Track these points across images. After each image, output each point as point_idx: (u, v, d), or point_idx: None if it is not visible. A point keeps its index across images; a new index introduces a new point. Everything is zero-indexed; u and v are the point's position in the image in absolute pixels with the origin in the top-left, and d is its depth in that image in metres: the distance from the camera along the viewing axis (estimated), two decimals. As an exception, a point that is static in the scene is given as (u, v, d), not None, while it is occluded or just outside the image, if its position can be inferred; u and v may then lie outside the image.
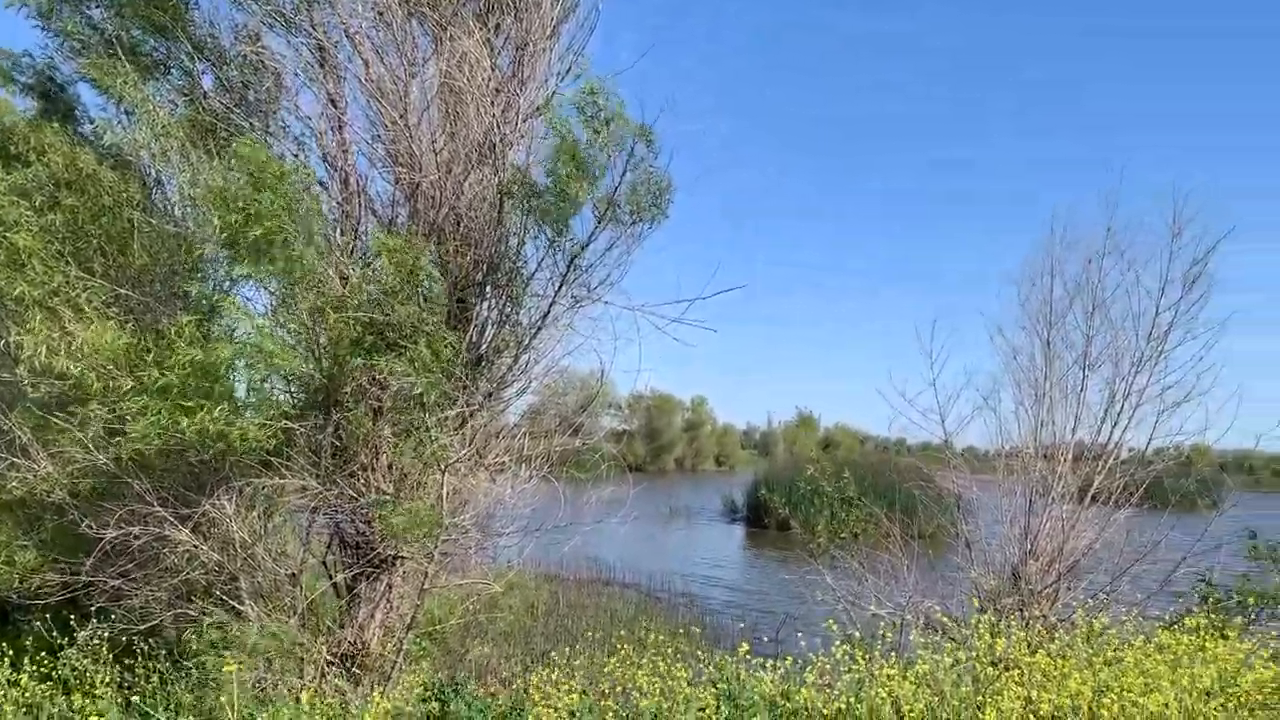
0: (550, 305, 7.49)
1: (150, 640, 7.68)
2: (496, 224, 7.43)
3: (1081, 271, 9.65)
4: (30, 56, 8.07)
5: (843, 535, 10.49)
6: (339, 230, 7.46)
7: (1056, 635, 7.37)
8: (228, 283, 7.83)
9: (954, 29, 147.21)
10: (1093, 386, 9.56)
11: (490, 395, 7.70)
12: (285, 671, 7.33)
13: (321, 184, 7.49)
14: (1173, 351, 9.23)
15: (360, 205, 7.54)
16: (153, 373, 6.39)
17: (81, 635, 7.49)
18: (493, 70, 7.50)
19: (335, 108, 7.48)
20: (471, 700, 6.33)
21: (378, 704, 6.10)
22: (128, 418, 6.38)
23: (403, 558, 7.61)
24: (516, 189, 7.27)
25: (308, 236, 6.68)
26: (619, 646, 7.65)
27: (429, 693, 6.46)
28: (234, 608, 7.28)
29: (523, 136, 7.78)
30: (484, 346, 7.66)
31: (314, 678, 7.36)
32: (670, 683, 6.50)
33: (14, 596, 7.79)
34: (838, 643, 6.47)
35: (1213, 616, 7.49)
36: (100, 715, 6.11)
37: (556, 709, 6.58)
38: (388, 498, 7.25)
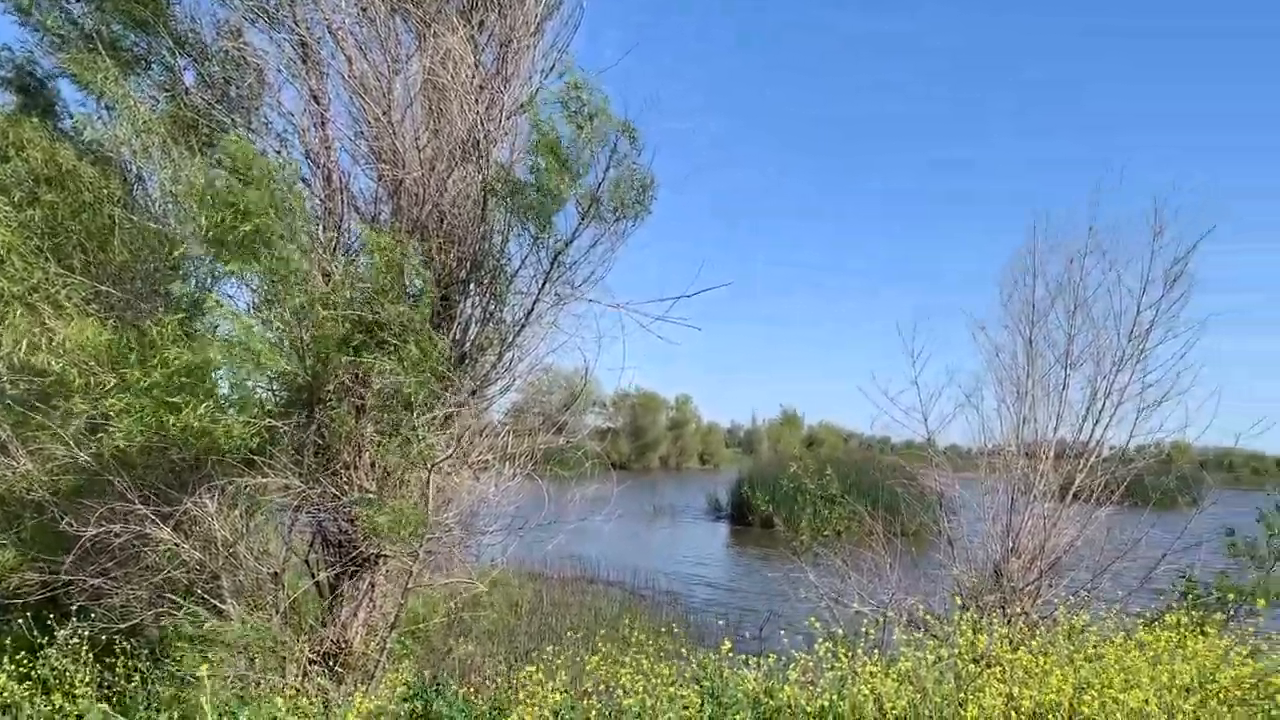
0: (534, 303, 7.48)
1: (132, 640, 7.63)
2: (480, 221, 7.41)
3: (1064, 271, 9.71)
4: (9, 51, 8.01)
5: (825, 533, 10.53)
6: (322, 227, 7.43)
7: (1038, 632, 7.42)
8: (209, 280, 7.78)
9: (954, 29, 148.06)
10: (1074, 385, 9.63)
11: (474, 393, 7.68)
12: (268, 670, 7.29)
13: (304, 181, 7.45)
14: (1153, 350, 9.32)
15: (343, 202, 7.50)
16: (136, 371, 6.34)
17: (61, 634, 7.44)
18: (476, 67, 7.47)
19: (318, 104, 7.44)
20: (452, 700, 6.31)
21: (360, 703, 6.08)
22: (111, 415, 6.34)
23: (386, 556, 7.59)
24: (500, 186, 7.25)
25: (294, 234, 6.65)
26: (600, 646, 7.65)
27: (412, 691, 6.45)
28: (215, 606, 7.24)
29: (507, 134, 7.76)
30: (467, 344, 7.64)
31: (296, 676, 7.33)
32: (654, 681, 6.50)
33: (-7, 596, 7.73)
34: (821, 640, 6.49)
35: (1193, 613, 7.54)
36: (80, 715, 6.07)
37: (540, 708, 6.57)
38: (371, 496, 7.23)
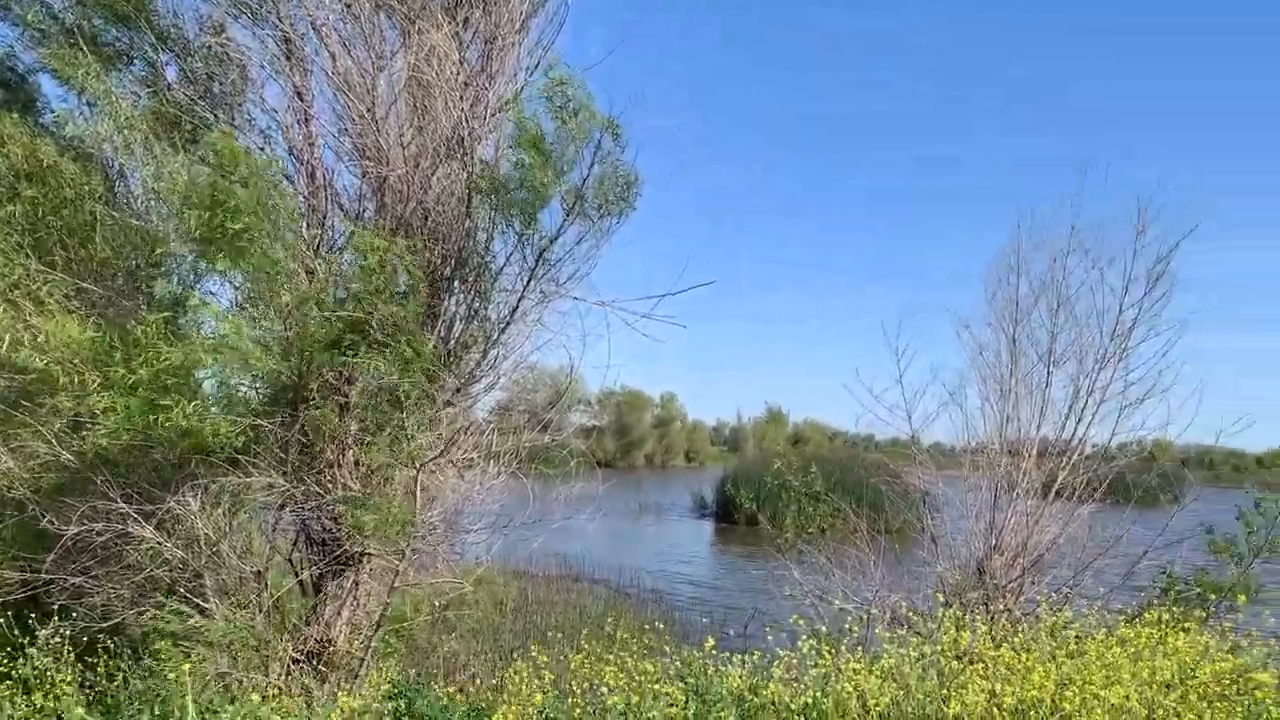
0: (519, 300, 7.47)
1: (114, 639, 7.59)
2: (464, 218, 7.39)
3: (1047, 269, 9.76)
4: (-10, 45, 7.95)
5: (810, 530, 10.55)
6: (306, 224, 7.40)
7: (1021, 629, 7.46)
8: (192, 277, 7.74)
9: (939, 26, 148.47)
10: (1057, 383, 9.68)
11: (458, 391, 7.66)
12: (251, 669, 7.27)
13: (287, 178, 7.42)
14: (1136, 348, 9.38)
15: (327, 199, 7.48)
16: (120, 369, 6.30)
17: (43, 634, 7.38)
18: (461, 64, 7.46)
19: (301, 100, 7.41)
20: (433, 702, 6.30)
21: (344, 702, 6.07)
22: (97, 413, 6.30)
23: (370, 555, 7.57)
24: (485, 183, 7.24)
25: (280, 233, 6.62)
26: (585, 644, 7.65)
27: (395, 690, 6.43)
28: (198, 605, 7.20)
29: (491, 131, 7.75)
30: (452, 342, 7.62)
31: (280, 675, 7.31)
32: (638, 678, 6.50)
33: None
34: (805, 637, 6.51)
35: (1173, 610, 7.59)
36: (60, 715, 6.03)
37: (524, 706, 6.57)
38: (357, 494, 7.21)
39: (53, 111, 7.95)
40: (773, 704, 5.94)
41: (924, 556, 9.89)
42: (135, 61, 7.38)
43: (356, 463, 7.45)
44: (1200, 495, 10.52)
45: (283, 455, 7.20)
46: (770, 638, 6.95)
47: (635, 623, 13.77)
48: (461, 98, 7.34)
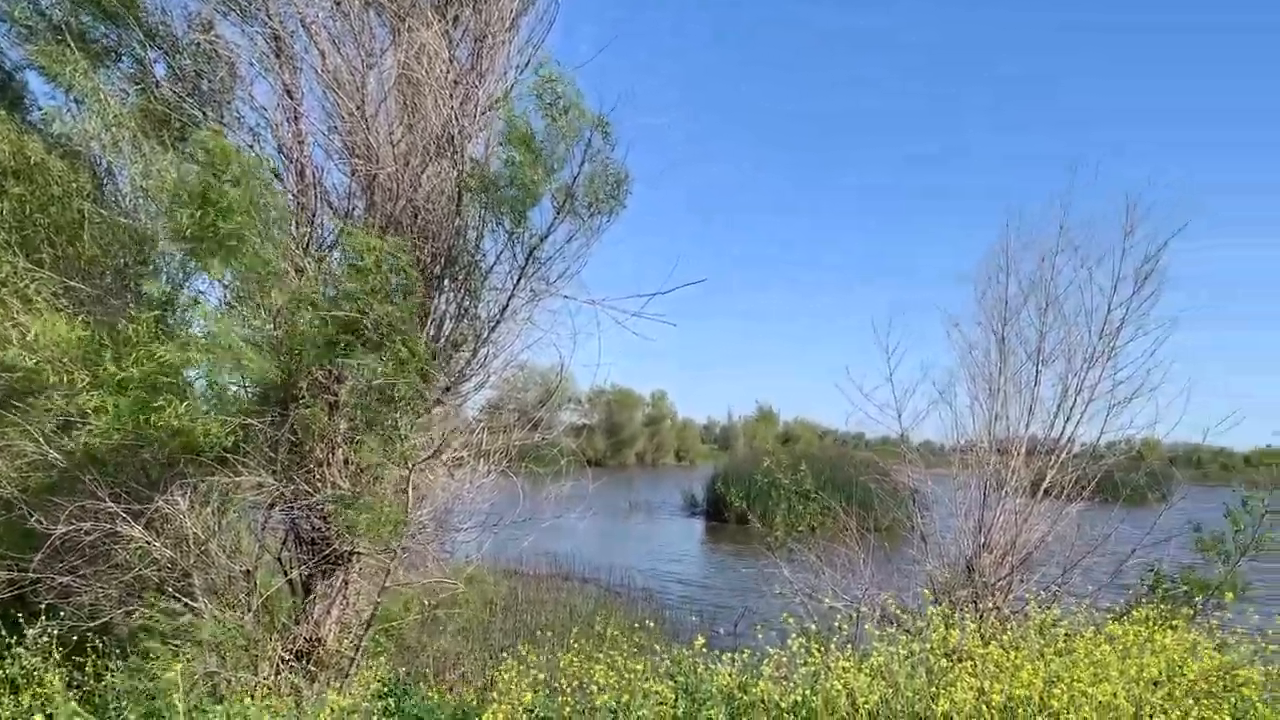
0: (509, 299, 7.47)
1: (102, 638, 7.56)
2: (454, 216, 7.38)
3: (1036, 268, 9.79)
4: (-25, 42, 7.89)
5: (800, 528, 10.57)
6: (295, 223, 7.38)
7: (1009, 627, 7.48)
8: (181, 275, 7.71)
9: (929, 24, 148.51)
10: (1046, 381, 9.71)
11: (448, 390, 7.66)
12: (240, 668, 7.24)
13: (276, 176, 7.40)
14: (1124, 347, 9.42)
15: (316, 197, 7.46)
16: (111, 367, 6.28)
17: (30, 633, 7.35)
18: (451, 62, 7.44)
19: (291, 98, 7.39)
20: (420, 701, 6.30)
21: (334, 701, 6.05)
22: (87, 412, 6.27)
23: (359, 554, 7.55)
24: (475, 181, 7.23)
25: (270, 232, 6.60)
26: (575, 643, 7.64)
27: (385, 689, 6.42)
28: (187, 604, 7.18)
29: (481, 129, 7.73)
30: (442, 340, 7.61)
31: (269, 674, 7.29)
32: (628, 677, 6.51)
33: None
34: (794, 635, 6.52)
35: (1161, 608, 7.62)
36: (50, 715, 5.99)
37: (514, 705, 6.56)
38: (346, 493, 7.19)
39: (40, 109, 7.92)
40: (762, 702, 5.95)
41: (913, 555, 9.91)
42: (123, 58, 7.34)
43: (346, 461, 7.44)
44: (1188, 494, 10.60)
45: (272, 454, 7.18)
46: (760, 636, 6.96)
47: (625, 621, 13.74)
48: (451, 96, 7.33)
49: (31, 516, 6.83)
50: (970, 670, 6.02)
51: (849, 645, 6.91)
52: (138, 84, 7.19)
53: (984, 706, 5.46)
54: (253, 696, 6.22)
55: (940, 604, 7.97)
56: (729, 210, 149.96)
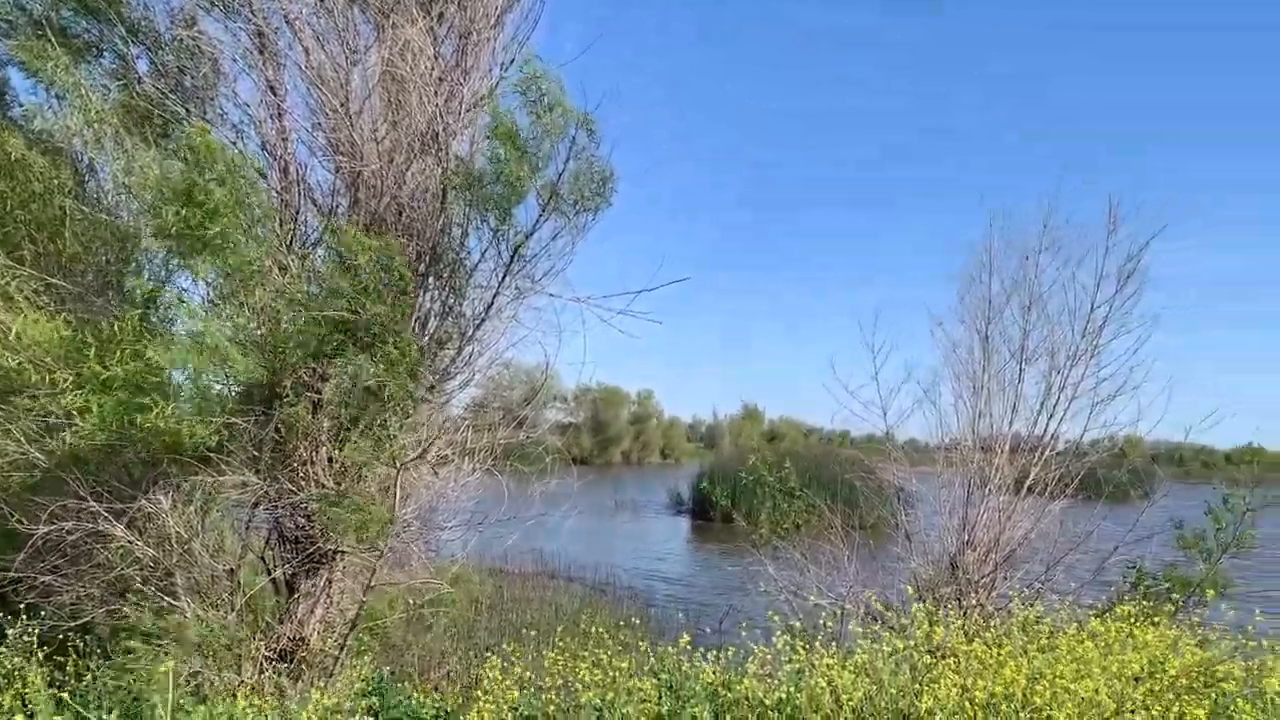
0: (494, 296, 7.46)
1: (83, 638, 7.51)
2: (439, 214, 7.36)
3: (1019, 267, 9.84)
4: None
5: (785, 526, 10.60)
6: (279, 220, 7.34)
7: (993, 624, 7.51)
8: (164, 273, 7.66)
9: (916, 24, 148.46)
10: (1029, 380, 9.77)
11: (433, 388, 7.64)
12: (224, 668, 7.21)
13: (260, 173, 7.36)
14: (1107, 346, 9.49)
15: (300, 195, 7.42)
16: (95, 367, 6.23)
17: (11, 633, 7.29)
18: (436, 59, 7.43)
19: (275, 95, 7.35)
20: (404, 702, 6.28)
21: (318, 700, 6.03)
22: (72, 412, 6.22)
23: (343, 552, 7.53)
24: (459, 178, 7.21)
25: (253, 230, 6.56)
26: (560, 641, 7.64)
27: (369, 688, 6.40)
28: (170, 603, 7.14)
29: (466, 126, 7.71)
30: (427, 338, 7.59)
31: (252, 674, 7.26)
32: (613, 674, 6.51)
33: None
34: (779, 633, 6.53)
35: (1143, 604, 7.68)
36: (32, 715, 5.95)
37: (499, 704, 6.56)
38: (330, 492, 7.16)
39: (21, 105, 7.85)
40: (746, 699, 5.96)
41: (898, 552, 9.95)
42: (105, 54, 7.28)
43: (330, 460, 7.41)
44: (1170, 491, 10.66)
45: (256, 453, 7.14)
46: (745, 633, 6.97)
47: (611, 619, 13.77)
48: (436, 93, 7.31)
49: (12, 516, 6.79)
50: (954, 667, 6.04)
51: (833, 643, 6.93)
52: (120, 80, 7.13)
53: (967, 703, 5.49)
54: (235, 696, 6.19)
55: (924, 601, 8.00)
56: (715, 209, 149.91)
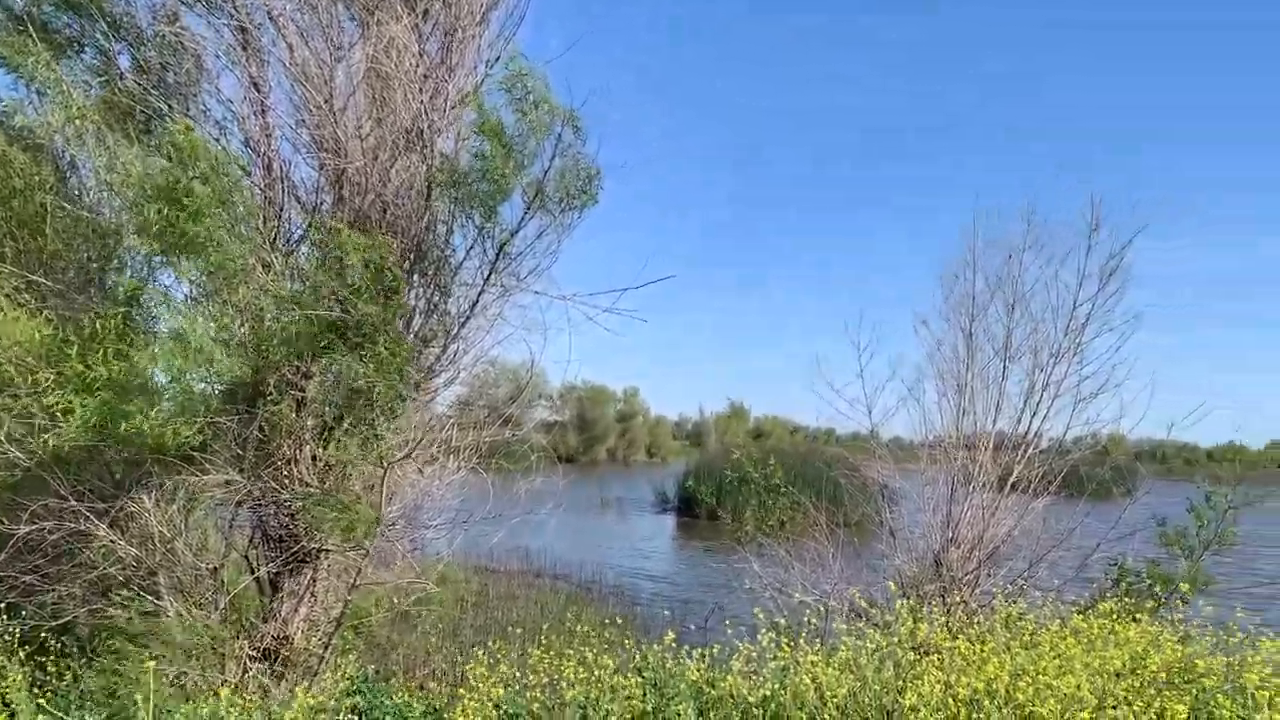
0: (479, 294, 7.44)
1: (61, 638, 7.46)
2: (424, 211, 7.35)
3: (1003, 265, 9.89)
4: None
5: (770, 523, 10.62)
6: (262, 218, 7.31)
7: (976, 620, 7.55)
8: (146, 270, 7.62)
9: (910, 23, 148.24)
10: (1013, 377, 9.82)
11: (418, 386, 7.62)
12: (207, 667, 7.18)
13: (244, 170, 7.32)
14: (1090, 344, 9.55)
15: (284, 191, 7.39)
16: (78, 366, 6.18)
17: (-7, 634, 7.24)
18: (421, 56, 7.40)
19: (258, 91, 7.31)
20: (387, 702, 6.26)
21: (301, 699, 6.01)
22: (55, 414, 6.17)
23: (328, 551, 7.51)
24: (444, 176, 7.20)
25: (240, 228, 6.53)
26: (545, 639, 7.64)
27: (354, 687, 6.38)
28: (153, 603, 7.11)
29: (451, 124, 7.69)
30: (411, 336, 7.57)
31: (236, 673, 7.23)
32: (598, 672, 6.51)
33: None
34: (764, 630, 6.54)
35: (1125, 601, 7.72)
36: (14, 714, 5.92)
37: (484, 702, 6.55)
38: (316, 490, 7.14)
39: (1, 100, 7.79)
40: (731, 697, 5.97)
41: (882, 549, 9.99)
42: (86, 49, 7.23)
43: (314, 458, 7.39)
44: (1152, 488, 10.73)
45: (239, 451, 7.11)
46: (730, 631, 6.98)
47: (596, 617, 13.77)
48: (421, 90, 7.29)
49: (-7, 516, 6.74)
50: (937, 663, 6.07)
51: (818, 640, 6.95)
52: (101, 76, 7.09)
53: (951, 700, 5.51)
54: (219, 696, 6.16)
55: (908, 598, 8.03)
56: (704, 207, 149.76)
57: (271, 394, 7.02)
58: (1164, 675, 5.92)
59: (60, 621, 7.25)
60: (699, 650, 6.59)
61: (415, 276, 7.56)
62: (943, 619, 7.36)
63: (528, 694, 6.46)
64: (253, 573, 7.75)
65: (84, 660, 7.25)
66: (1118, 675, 5.81)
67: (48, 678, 7.22)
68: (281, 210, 7.36)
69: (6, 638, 7.17)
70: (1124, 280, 9.41)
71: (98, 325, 6.31)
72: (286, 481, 7.18)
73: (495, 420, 8.34)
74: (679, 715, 5.67)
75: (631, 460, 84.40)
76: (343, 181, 7.32)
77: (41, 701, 6.08)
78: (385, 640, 11.23)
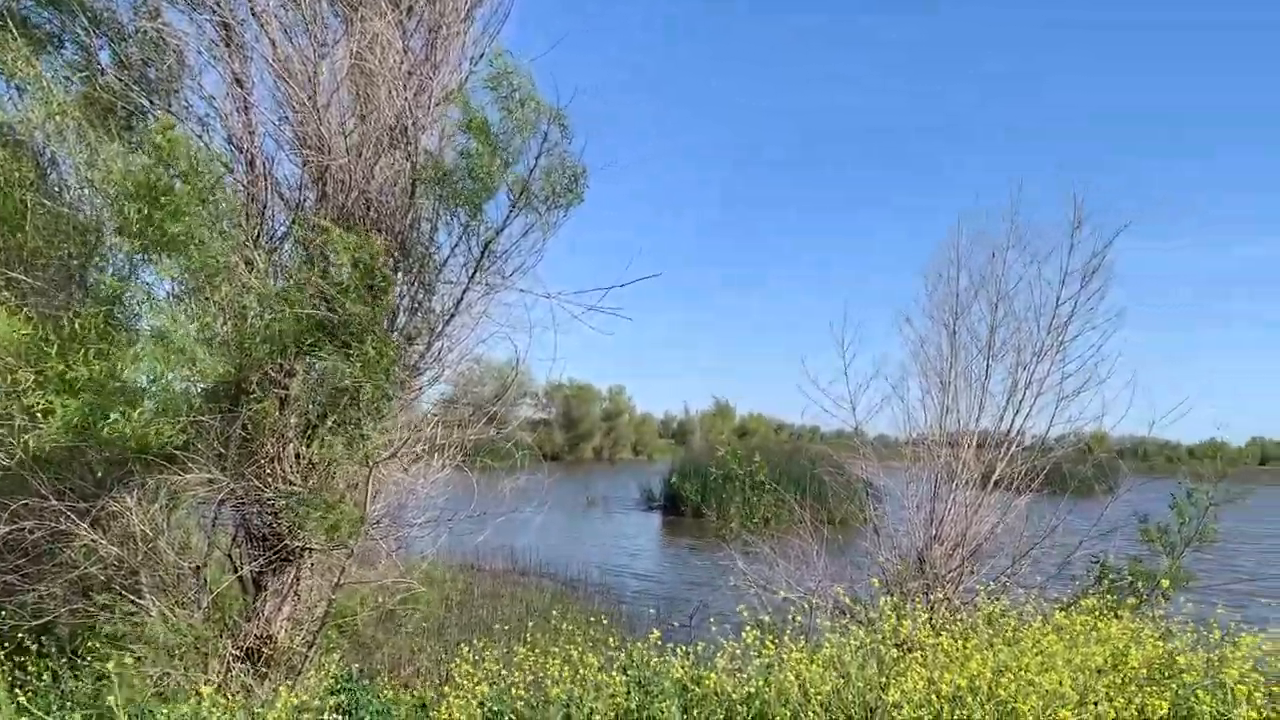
0: (464, 292, 7.42)
1: (42, 638, 7.41)
2: (408, 209, 7.32)
3: (987, 264, 9.93)
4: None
5: (754, 520, 10.64)
6: (245, 215, 7.27)
7: (959, 617, 7.58)
8: (128, 268, 7.56)
9: (911, 23, 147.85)
10: (996, 375, 9.86)
11: (402, 384, 7.59)
12: (190, 667, 7.14)
13: (227, 167, 7.28)
14: (1072, 342, 9.60)
15: (267, 189, 7.35)
16: (58, 366, 6.12)
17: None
18: (405, 53, 7.38)
19: (241, 88, 7.26)
20: (371, 700, 6.24)
21: (285, 699, 5.99)
22: (36, 414, 6.12)
23: (311, 550, 7.48)
24: (429, 173, 7.18)
25: (223, 226, 6.49)
26: (530, 638, 7.64)
27: (338, 685, 6.36)
28: (134, 602, 7.07)
29: (435, 121, 7.67)
30: (396, 334, 7.54)
31: (219, 673, 7.20)
32: (582, 671, 6.51)
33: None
34: (748, 628, 6.55)
35: (1107, 597, 7.77)
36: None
37: (469, 700, 6.54)
38: (299, 489, 7.11)
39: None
40: (715, 694, 5.98)
41: (866, 547, 10.02)
42: (67, 45, 7.18)
43: (298, 457, 7.36)
44: (1134, 486, 10.79)
45: (222, 450, 7.07)
46: (714, 628, 6.99)
47: (582, 616, 13.78)
48: (405, 87, 7.26)
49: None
50: (921, 660, 6.09)
51: (802, 637, 6.97)
52: (82, 72, 7.03)
53: (934, 696, 5.53)
54: (201, 695, 6.13)
55: (892, 595, 8.06)
56: (697, 206, 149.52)
57: (255, 392, 6.99)
58: (1145, 671, 5.96)
59: (41, 621, 7.20)
60: (683, 648, 6.60)
61: (400, 274, 7.53)
62: (926, 616, 7.39)
63: (512, 691, 6.45)
64: (236, 572, 7.72)
65: (64, 660, 7.20)
66: (1099, 672, 5.85)
67: (28, 677, 7.17)
68: (265, 207, 7.32)
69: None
70: (1106, 278, 9.48)
71: (77, 325, 6.26)
72: (270, 480, 7.14)
73: (480, 418, 8.32)
74: (663, 713, 5.68)
75: (617, 458, 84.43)
76: (326, 178, 7.29)
77: (22, 700, 6.04)
78: (370, 639, 11.20)
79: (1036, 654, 5.93)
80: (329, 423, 7.16)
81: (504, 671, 7.05)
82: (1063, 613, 7.18)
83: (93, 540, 6.81)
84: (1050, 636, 6.31)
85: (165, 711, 5.58)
